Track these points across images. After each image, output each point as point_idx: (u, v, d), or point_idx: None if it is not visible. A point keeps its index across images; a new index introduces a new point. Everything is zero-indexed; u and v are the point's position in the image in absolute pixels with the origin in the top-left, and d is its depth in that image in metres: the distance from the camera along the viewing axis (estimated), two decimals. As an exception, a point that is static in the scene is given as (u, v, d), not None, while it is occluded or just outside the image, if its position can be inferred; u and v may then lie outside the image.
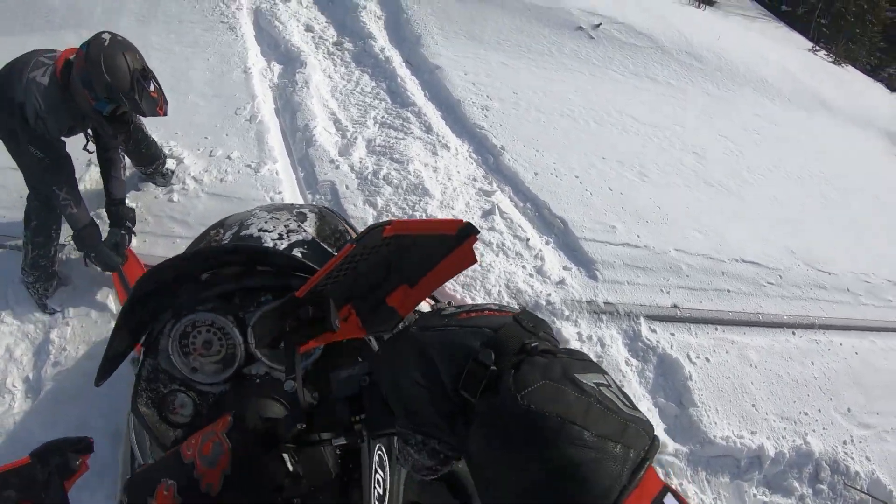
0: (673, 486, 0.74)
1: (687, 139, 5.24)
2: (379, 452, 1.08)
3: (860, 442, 3.69)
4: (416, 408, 0.79)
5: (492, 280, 3.36)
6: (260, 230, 1.50)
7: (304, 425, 0.90)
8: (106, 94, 2.70)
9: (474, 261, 1.00)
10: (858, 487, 3.51)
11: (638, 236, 3.89)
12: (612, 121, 5.01)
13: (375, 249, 0.95)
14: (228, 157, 3.95)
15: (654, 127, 5.17)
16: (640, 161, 4.63)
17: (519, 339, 0.74)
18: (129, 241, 3.29)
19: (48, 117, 2.76)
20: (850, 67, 10.02)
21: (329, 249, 1.50)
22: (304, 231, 1.52)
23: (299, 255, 1.39)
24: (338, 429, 0.90)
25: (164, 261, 1.18)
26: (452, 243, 0.97)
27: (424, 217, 3.63)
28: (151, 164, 3.66)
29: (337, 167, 4.03)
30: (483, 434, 0.69)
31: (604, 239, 3.78)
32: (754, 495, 3.26)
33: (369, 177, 3.94)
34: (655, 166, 4.66)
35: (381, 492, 1.08)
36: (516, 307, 0.85)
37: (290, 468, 0.87)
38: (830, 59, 9.73)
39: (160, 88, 2.94)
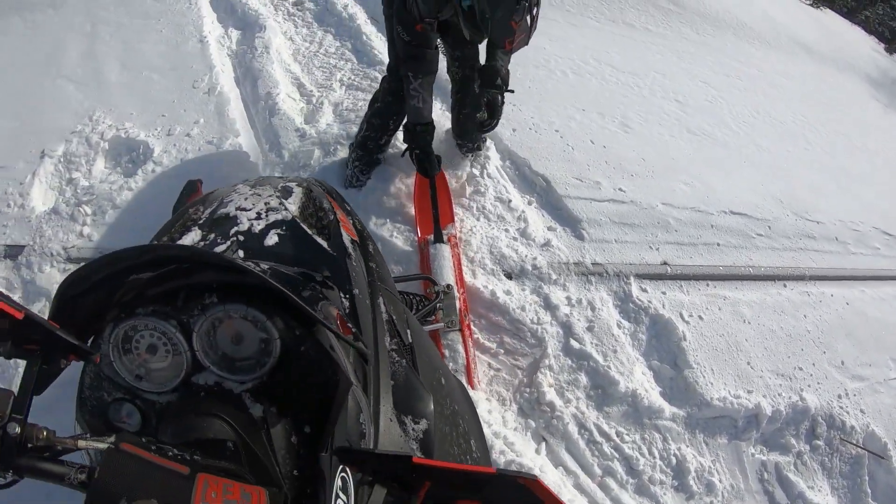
0: None
1: (668, 87, 5.01)
2: (342, 475, 0.96)
3: (854, 395, 3.60)
4: None
5: (474, 246, 3.14)
6: (238, 208, 1.44)
7: None
8: None
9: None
10: (854, 442, 3.43)
11: (623, 191, 3.69)
12: (591, 70, 4.75)
13: None
14: (188, 135, 3.66)
15: (634, 75, 4.93)
16: (621, 111, 4.40)
17: None
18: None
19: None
20: (828, 10, 9.80)
21: (308, 231, 1.41)
22: (285, 209, 1.45)
23: (276, 236, 1.35)
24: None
25: (93, 260, 1.01)
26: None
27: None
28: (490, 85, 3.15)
29: (302, 136, 3.76)
30: None
31: (588, 196, 3.57)
32: (752, 454, 3.15)
33: (338, 145, 3.67)
34: (637, 116, 4.44)
35: None
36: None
37: None
38: (808, 2, 9.47)
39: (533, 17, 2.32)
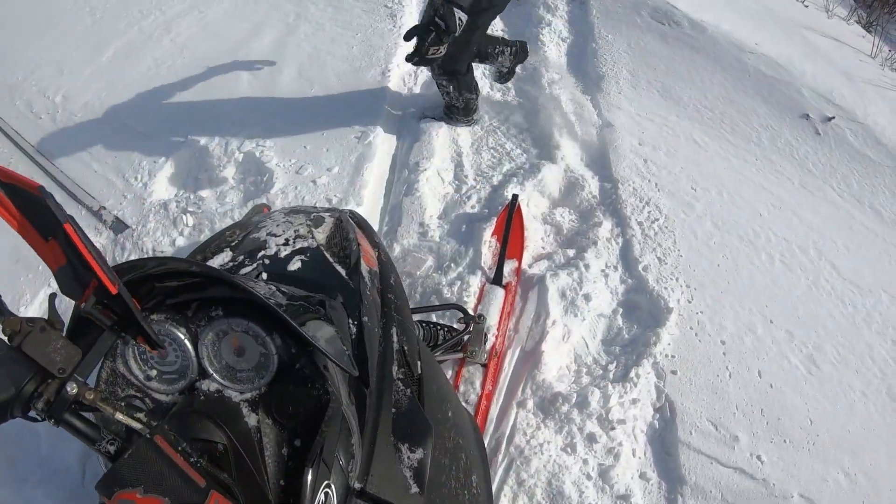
0: None
1: (892, 317, 3.99)
2: (326, 490, 1.02)
3: None
4: None
5: (532, 467, 2.56)
6: (268, 234, 1.56)
7: None
8: None
9: None
10: None
11: (762, 461, 2.89)
12: (806, 264, 3.84)
13: None
14: (313, 182, 3.38)
15: (857, 288, 3.93)
16: (817, 338, 3.49)
17: None
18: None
19: None
20: None
21: (329, 259, 1.52)
22: (312, 238, 1.57)
23: (300, 262, 1.47)
24: None
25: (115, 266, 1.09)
26: None
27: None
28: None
29: (423, 234, 3.32)
30: None
31: (714, 452, 2.82)
32: None
33: (453, 262, 3.20)
34: (835, 352, 3.50)
35: None
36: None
37: None
38: None
39: None
